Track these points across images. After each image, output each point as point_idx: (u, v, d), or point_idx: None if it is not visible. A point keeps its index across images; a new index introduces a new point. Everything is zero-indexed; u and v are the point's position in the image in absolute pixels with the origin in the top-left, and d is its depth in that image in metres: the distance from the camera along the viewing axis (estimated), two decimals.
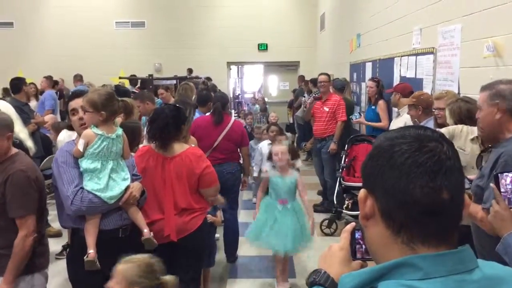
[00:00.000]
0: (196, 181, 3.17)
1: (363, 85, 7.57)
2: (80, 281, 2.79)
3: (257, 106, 11.57)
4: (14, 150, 2.74)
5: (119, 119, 3.05)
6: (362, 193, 0.98)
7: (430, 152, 0.90)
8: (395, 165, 0.91)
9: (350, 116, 6.64)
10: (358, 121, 6.47)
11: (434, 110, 3.67)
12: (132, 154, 3.08)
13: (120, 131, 2.81)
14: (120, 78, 11.82)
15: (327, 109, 6.53)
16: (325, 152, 6.56)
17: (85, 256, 2.65)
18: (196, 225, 3.18)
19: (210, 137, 4.70)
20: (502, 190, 1.94)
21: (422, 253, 0.89)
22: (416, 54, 5.07)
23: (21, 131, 3.82)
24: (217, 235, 5.31)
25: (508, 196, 1.94)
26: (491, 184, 1.97)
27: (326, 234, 5.79)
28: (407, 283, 0.86)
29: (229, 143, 4.83)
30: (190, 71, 13.62)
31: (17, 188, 2.57)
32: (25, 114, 5.88)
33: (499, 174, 1.95)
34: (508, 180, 1.93)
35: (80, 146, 2.64)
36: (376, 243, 0.97)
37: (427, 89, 4.64)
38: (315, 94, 7.08)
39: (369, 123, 6.23)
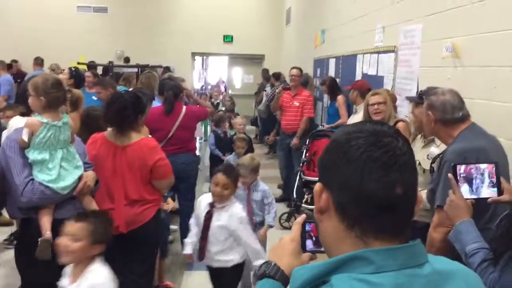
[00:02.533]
0: (149, 172, 3.08)
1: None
2: (30, 271, 2.69)
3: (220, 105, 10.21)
4: None
5: (64, 109, 2.92)
6: (317, 186, 0.97)
7: (385, 147, 0.90)
8: (351, 159, 0.91)
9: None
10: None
11: (371, 106, 3.78)
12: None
13: (66, 118, 2.70)
14: (78, 63, 11.48)
15: (297, 104, 6.51)
16: (296, 148, 6.55)
17: (40, 239, 2.53)
18: (148, 217, 3.11)
19: (164, 128, 4.62)
20: (458, 179, 2.01)
21: (374, 247, 0.89)
22: (378, 52, 5.14)
23: None
24: (174, 227, 5.26)
25: (461, 186, 2.00)
26: (449, 174, 2.03)
27: (285, 228, 5.82)
28: (359, 276, 0.86)
29: (185, 132, 4.76)
30: (126, 60, 13.41)
31: None
32: None
33: (457, 165, 2.01)
34: (463, 169, 2.01)
35: (24, 135, 2.52)
36: (329, 237, 0.97)
37: (387, 86, 4.71)
38: (283, 85, 7.12)
39: (329, 126, 6.33)
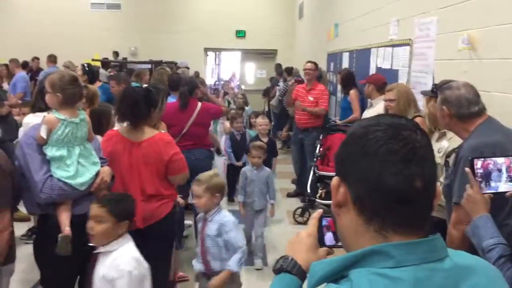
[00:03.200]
0: (164, 167, 3.10)
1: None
2: (50, 267, 2.72)
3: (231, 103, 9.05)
4: None
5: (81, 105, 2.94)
6: (335, 180, 0.97)
7: (404, 140, 0.90)
8: (369, 153, 0.90)
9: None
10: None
11: (385, 102, 3.77)
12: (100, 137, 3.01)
13: (83, 114, 2.73)
14: (93, 60, 11.58)
15: (311, 99, 6.46)
16: (308, 144, 6.51)
17: (59, 236, 2.57)
18: (164, 212, 3.12)
19: (179, 123, 4.64)
20: (475, 174, 1.98)
21: (394, 241, 0.88)
22: (393, 46, 5.09)
23: None
24: (189, 222, 5.29)
25: (479, 180, 1.97)
26: (466, 168, 2.00)
27: (299, 223, 5.81)
28: (379, 271, 0.85)
29: (199, 128, 4.77)
30: (116, 54, 13.52)
31: None
32: None
33: (474, 159, 1.98)
34: (480, 164, 1.97)
35: (43, 132, 2.54)
36: (347, 231, 0.96)
37: (402, 80, 4.66)
38: (295, 78, 7.08)
39: (342, 122, 6.29)
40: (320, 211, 1.32)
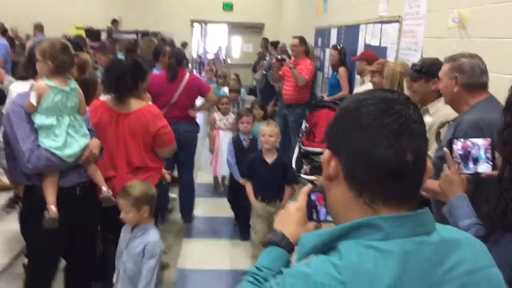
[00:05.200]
0: (151, 140, 3.06)
1: (327, 51, 7.55)
2: (37, 240, 2.70)
3: (224, 89, 7.47)
4: None
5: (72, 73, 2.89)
6: (326, 154, 0.97)
7: (396, 114, 0.90)
8: (361, 126, 0.90)
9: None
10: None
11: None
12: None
13: (74, 84, 2.67)
14: (77, 28, 11.33)
15: (287, 66, 6.35)
16: (292, 120, 6.48)
17: (46, 213, 2.55)
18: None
19: (166, 94, 4.59)
20: (454, 155, 1.99)
21: (383, 214, 0.89)
22: (382, 22, 5.06)
23: None
24: (173, 195, 5.29)
25: (458, 161, 1.99)
26: (444, 148, 2.02)
27: None
28: (368, 243, 0.86)
29: (187, 99, 4.73)
30: (113, 22, 13.18)
31: None
32: None
33: (453, 139, 1.99)
34: (460, 145, 1.99)
35: (33, 99, 2.48)
36: (338, 204, 0.97)
37: (390, 57, 4.66)
38: (277, 56, 6.94)
39: (330, 98, 6.25)
40: (309, 185, 1.33)
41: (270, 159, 4.04)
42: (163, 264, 3.96)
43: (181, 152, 4.12)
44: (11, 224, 3.19)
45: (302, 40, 6.56)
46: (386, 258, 0.84)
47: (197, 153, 5.23)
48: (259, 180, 4.06)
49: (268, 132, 3.97)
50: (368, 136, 0.89)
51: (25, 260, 3.29)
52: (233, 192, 4.92)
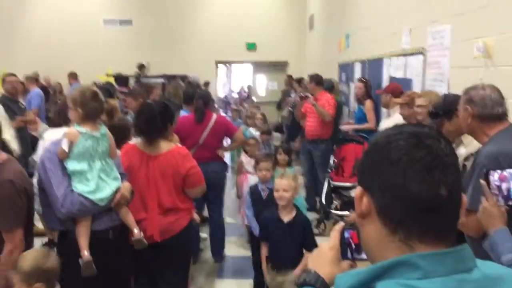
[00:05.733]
0: (182, 180, 3.10)
1: (352, 85, 7.58)
2: (72, 284, 2.71)
3: (250, 129, 7.25)
4: (3, 156, 2.57)
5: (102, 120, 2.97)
6: (358, 190, 0.96)
7: (427, 148, 0.89)
8: (392, 161, 0.89)
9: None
10: (346, 129, 6.48)
11: (416, 107, 3.66)
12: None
13: (104, 129, 2.75)
14: (107, 75, 11.72)
15: (311, 104, 6.36)
16: (318, 155, 6.46)
17: (80, 260, 2.58)
18: (181, 225, 3.12)
19: (194, 135, 4.65)
20: (491, 187, 1.95)
21: (420, 252, 0.87)
22: (406, 55, 5.07)
23: (6, 132, 3.71)
24: (204, 235, 5.28)
25: (495, 193, 1.94)
26: (481, 180, 1.98)
27: (315, 234, 5.75)
28: (407, 282, 0.84)
29: (214, 139, 4.78)
30: (141, 67, 13.49)
31: (3, 201, 2.42)
32: (11, 112, 5.79)
33: (490, 171, 1.95)
34: (496, 177, 1.93)
35: (64, 145, 2.57)
36: (372, 242, 0.95)
37: (416, 89, 4.63)
38: (301, 94, 6.98)
39: (355, 126, 6.24)
40: (341, 223, 1.31)
41: (286, 217, 3.36)
42: None
43: (210, 191, 4.13)
44: None
45: (312, 77, 6.64)
46: None
47: (226, 195, 5.22)
48: (273, 242, 3.40)
49: (282, 187, 3.31)
50: (400, 171, 0.88)
51: None
52: (256, 251, 3.91)
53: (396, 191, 0.88)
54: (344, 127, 6.64)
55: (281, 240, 3.33)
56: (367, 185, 0.94)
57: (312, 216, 6.08)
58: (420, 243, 0.88)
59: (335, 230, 1.29)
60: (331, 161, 6.02)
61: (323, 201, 5.91)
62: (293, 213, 3.39)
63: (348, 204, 5.63)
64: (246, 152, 5.61)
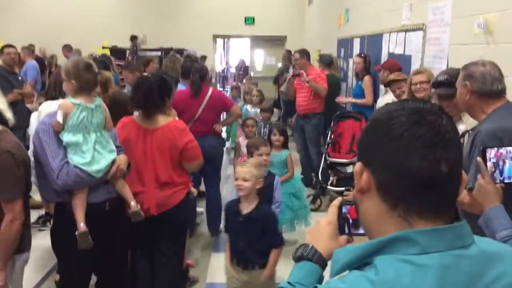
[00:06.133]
0: (179, 155, 3.09)
1: (350, 61, 7.53)
2: (68, 256, 2.75)
3: (247, 106, 7.17)
4: None
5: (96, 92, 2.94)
6: (358, 166, 0.95)
7: (429, 124, 0.88)
8: (393, 138, 0.88)
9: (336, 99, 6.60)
10: (341, 101, 6.45)
11: (414, 85, 3.63)
12: None
13: (99, 101, 2.73)
14: (103, 48, 11.59)
15: (304, 80, 6.27)
16: (309, 130, 6.46)
17: (77, 232, 2.59)
18: (178, 199, 3.12)
19: (191, 110, 4.65)
20: (488, 164, 1.94)
21: (419, 228, 0.87)
22: (406, 31, 5.02)
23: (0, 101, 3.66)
24: (201, 209, 5.31)
25: (492, 170, 1.94)
26: (478, 158, 1.97)
27: (311, 210, 5.79)
28: (404, 257, 0.84)
29: (211, 113, 4.77)
30: (133, 38, 13.29)
31: (3, 172, 2.42)
32: (8, 83, 5.74)
33: (486, 148, 1.95)
34: (493, 153, 1.94)
35: (59, 117, 2.55)
36: (371, 218, 0.95)
37: (415, 65, 4.61)
38: (294, 72, 6.89)
39: (352, 100, 6.21)
40: (339, 198, 1.31)
41: (246, 209, 3.01)
42: (193, 279, 3.96)
43: (207, 166, 4.13)
44: (43, 241, 3.24)
45: (302, 52, 6.52)
46: (424, 273, 0.82)
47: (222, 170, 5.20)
48: (232, 236, 3.11)
49: (242, 175, 2.96)
50: (401, 147, 0.87)
51: (57, 277, 3.34)
52: None
53: (397, 167, 0.88)
54: (340, 99, 6.59)
55: (238, 234, 3.02)
56: (367, 160, 0.94)
57: (308, 192, 6.12)
58: (420, 219, 0.88)
59: (333, 206, 1.29)
60: (328, 138, 6.03)
61: (320, 177, 5.93)
62: (253, 205, 3.01)
63: (344, 180, 5.66)
64: (245, 133, 5.37)
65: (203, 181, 5.01)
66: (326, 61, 7.23)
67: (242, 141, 5.10)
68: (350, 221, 1.28)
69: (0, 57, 6.21)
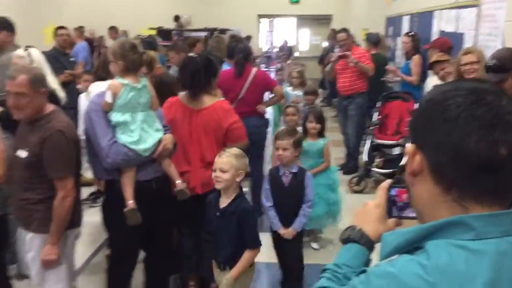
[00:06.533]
0: (224, 135, 3.11)
1: (399, 40, 7.31)
2: (118, 232, 2.85)
3: (288, 88, 6.32)
4: (50, 107, 2.66)
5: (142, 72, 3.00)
6: (410, 148, 0.93)
7: (488, 105, 0.84)
8: (449, 118, 0.85)
9: (383, 77, 6.40)
10: (393, 69, 6.21)
11: (463, 67, 3.46)
12: None
13: (145, 81, 2.78)
14: (150, 29, 11.76)
15: (351, 63, 6.12)
16: (352, 109, 6.31)
17: (125, 210, 2.67)
18: None
19: (234, 90, 4.66)
20: None
21: (474, 212, 0.84)
22: (458, 7, 4.81)
23: (52, 81, 3.79)
24: (245, 189, 5.34)
25: None
26: None
27: (355, 192, 5.74)
28: (458, 243, 0.82)
29: (254, 94, 4.76)
30: (176, 18, 13.27)
31: (56, 150, 2.52)
32: (60, 64, 5.91)
33: None
34: None
35: (108, 97, 2.63)
36: (423, 201, 0.93)
37: (468, 44, 4.43)
38: (340, 53, 6.63)
39: (399, 73, 6.00)
40: (389, 181, 1.28)
41: (223, 203, 2.73)
42: None
43: (251, 146, 4.14)
44: (94, 217, 3.36)
45: (347, 32, 6.30)
46: (479, 259, 0.80)
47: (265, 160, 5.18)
48: (211, 232, 2.83)
49: (219, 165, 2.64)
50: (457, 128, 0.84)
51: (107, 251, 3.46)
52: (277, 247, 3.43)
53: (452, 149, 0.84)
54: (388, 67, 6.35)
55: (215, 230, 2.78)
56: (420, 142, 0.91)
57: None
58: (476, 204, 0.85)
59: (381, 188, 1.26)
60: (374, 118, 5.90)
61: (365, 158, 5.83)
62: (230, 200, 2.71)
63: (390, 162, 5.55)
64: (286, 122, 5.02)
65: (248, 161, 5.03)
66: (373, 40, 7.05)
67: None
68: (399, 204, 1.25)
69: (56, 39, 6.41)
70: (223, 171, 2.61)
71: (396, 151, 5.63)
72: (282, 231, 3.21)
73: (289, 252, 3.35)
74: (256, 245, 2.69)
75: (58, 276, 2.67)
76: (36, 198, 2.58)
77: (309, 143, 4.09)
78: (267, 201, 3.32)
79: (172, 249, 3.23)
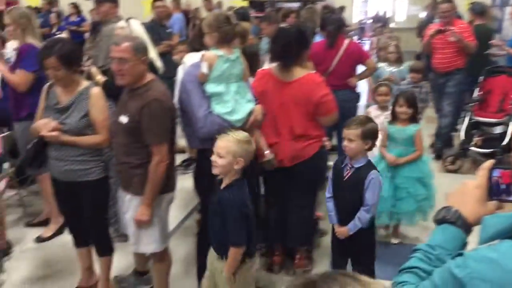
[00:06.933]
0: (314, 108, 3.08)
1: (507, 10, 6.73)
2: (208, 197, 2.95)
3: (382, 65, 5.68)
4: (149, 76, 2.75)
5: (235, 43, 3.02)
6: None
7: None
8: None
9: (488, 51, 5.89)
10: (498, 44, 5.72)
11: None
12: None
13: (238, 52, 2.82)
14: (243, 0, 11.82)
15: (452, 38, 5.53)
16: (450, 85, 5.78)
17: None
18: (311, 152, 3.14)
19: (325, 62, 4.56)
20: None
21: None
22: None
23: (151, 51, 3.95)
24: (331, 163, 5.26)
25: None
26: None
27: (449, 171, 5.46)
28: None
29: (345, 66, 4.62)
30: None
31: (153, 118, 2.62)
32: (157, 35, 6.15)
33: None
34: None
35: (204, 68, 2.69)
36: None
37: None
38: (442, 28, 6.06)
39: (505, 47, 5.50)
40: (491, 161, 1.19)
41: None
42: (322, 232, 4.00)
43: (340, 120, 4.06)
44: (186, 183, 3.50)
45: (452, 3, 5.67)
46: None
47: None
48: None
49: (217, 150, 2.41)
50: None
51: (198, 216, 3.61)
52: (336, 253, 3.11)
53: None
54: (494, 42, 5.84)
55: (210, 214, 2.60)
56: None
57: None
58: None
59: (483, 168, 1.18)
60: (475, 94, 5.53)
61: (464, 136, 5.51)
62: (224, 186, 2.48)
63: (490, 141, 5.20)
64: (377, 102, 4.39)
65: (336, 136, 4.96)
66: (477, 10, 6.54)
67: (373, 112, 4.23)
68: (502, 186, 1.17)
69: (153, 11, 6.66)
70: (220, 156, 2.38)
71: (498, 129, 5.25)
72: (337, 228, 2.91)
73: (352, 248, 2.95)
74: (237, 242, 2.38)
75: (152, 236, 2.82)
76: (135, 163, 2.72)
77: (397, 129, 3.71)
78: (328, 192, 3.00)
79: (258, 218, 3.30)
